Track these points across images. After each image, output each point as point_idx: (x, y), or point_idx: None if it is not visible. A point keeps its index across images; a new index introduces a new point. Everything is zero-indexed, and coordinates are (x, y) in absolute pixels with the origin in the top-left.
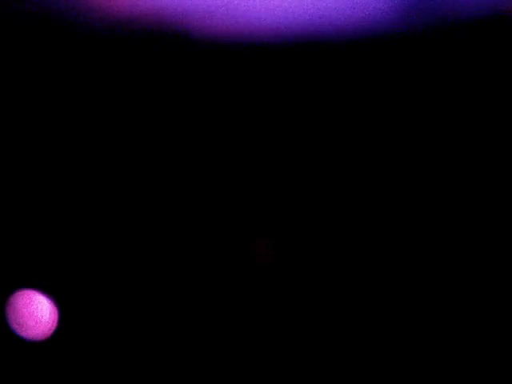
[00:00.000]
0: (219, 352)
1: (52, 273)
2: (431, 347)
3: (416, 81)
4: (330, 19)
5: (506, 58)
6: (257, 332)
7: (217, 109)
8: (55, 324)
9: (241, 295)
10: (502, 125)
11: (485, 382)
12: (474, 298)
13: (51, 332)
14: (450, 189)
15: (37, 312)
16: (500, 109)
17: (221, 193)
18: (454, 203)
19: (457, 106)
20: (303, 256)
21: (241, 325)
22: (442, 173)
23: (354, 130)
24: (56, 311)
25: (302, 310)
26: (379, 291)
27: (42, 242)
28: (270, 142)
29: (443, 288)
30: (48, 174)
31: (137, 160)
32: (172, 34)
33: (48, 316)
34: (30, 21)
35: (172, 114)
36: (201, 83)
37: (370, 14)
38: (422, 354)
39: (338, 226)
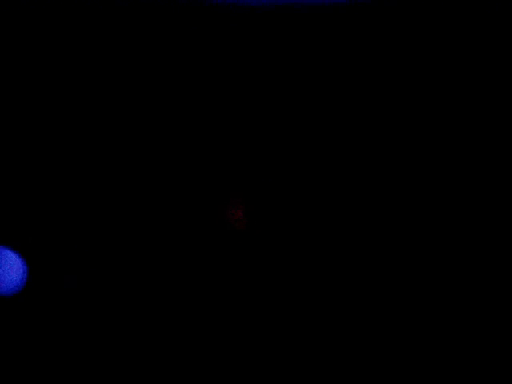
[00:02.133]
0: (195, 321)
1: (22, 231)
2: (428, 345)
3: (394, 50)
4: None
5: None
6: (232, 299)
7: (202, 73)
8: (25, 280)
9: (217, 262)
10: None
11: (485, 382)
12: (473, 298)
13: (21, 287)
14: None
15: (7, 268)
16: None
17: (196, 160)
18: (452, 198)
19: (432, 78)
20: (277, 223)
21: (217, 292)
22: (420, 142)
23: (335, 100)
24: (26, 267)
25: (277, 277)
26: (346, 260)
27: (13, 199)
28: (246, 109)
29: (434, 283)
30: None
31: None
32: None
33: (18, 272)
34: None
35: (157, 77)
36: (190, 47)
37: None
38: (413, 349)
39: (312, 194)
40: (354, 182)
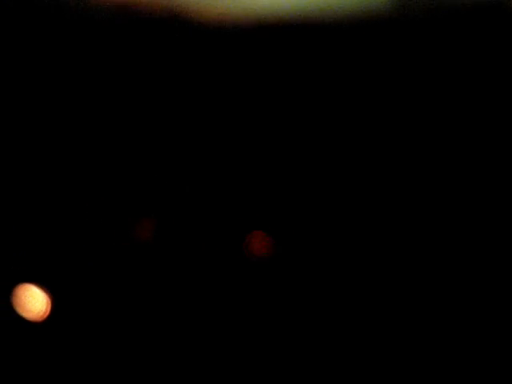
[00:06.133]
0: (208, 342)
1: (47, 266)
2: (430, 346)
3: (411, 67)
4: (326, 4)
5: (501, 45)
6: (250, 325)
7: (214, 93)
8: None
9: (236, 289)
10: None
11: (485, 382)
12: (474, 298)
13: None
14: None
15: (33, 301)
16: (493, 94)
17: (216, 187)
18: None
19: (451, 92)
20: (298, 251)
21: (235, 318)
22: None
23: (348, 115)
24: (50, 300)
25: (297, 304)
26: (372, 287)
27: (36, 237)
28: (264, 131)
29: (440, 287)
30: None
31: (130, 144)
32: (171, 18)
33: (43, 304)
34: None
35: (169, 98)
36: (199, 67)
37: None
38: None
39: (332, 220)
40: (362, 211)
